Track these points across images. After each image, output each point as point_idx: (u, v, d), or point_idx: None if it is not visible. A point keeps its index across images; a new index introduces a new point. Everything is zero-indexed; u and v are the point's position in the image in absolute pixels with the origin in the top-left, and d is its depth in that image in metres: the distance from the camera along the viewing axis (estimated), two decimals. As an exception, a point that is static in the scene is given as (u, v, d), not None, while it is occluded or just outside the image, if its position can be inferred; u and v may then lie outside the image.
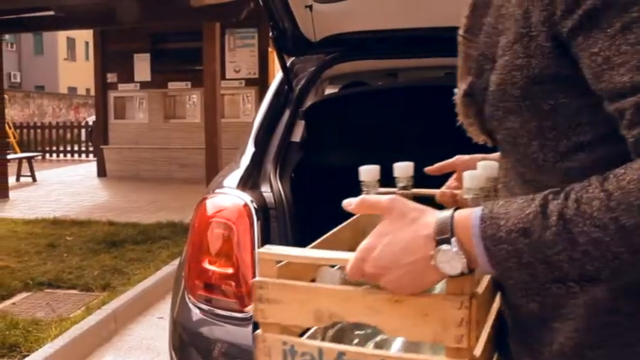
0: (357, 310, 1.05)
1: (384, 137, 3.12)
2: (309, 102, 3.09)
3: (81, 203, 10.69)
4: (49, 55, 46.61)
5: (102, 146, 14.65)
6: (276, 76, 3.21)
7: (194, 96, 13.83)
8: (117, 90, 14.40)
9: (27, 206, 10.43)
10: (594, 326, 0.98)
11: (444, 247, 0.93)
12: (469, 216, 0.94)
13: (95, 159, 15.66)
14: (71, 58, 48.62)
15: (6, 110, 12.90)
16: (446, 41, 2.98)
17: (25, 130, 20.58)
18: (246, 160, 2.60)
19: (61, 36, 45.44)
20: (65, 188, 12.66)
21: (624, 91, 0.86)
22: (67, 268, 6.39)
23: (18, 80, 42.97)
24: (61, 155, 20.08)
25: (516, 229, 0.89)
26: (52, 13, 10.71)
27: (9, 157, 12.73)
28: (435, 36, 2.87)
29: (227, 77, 12.96)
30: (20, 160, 14.14)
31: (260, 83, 12.90)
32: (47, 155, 19.73)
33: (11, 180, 12.40)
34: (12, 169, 12.84)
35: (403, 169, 1.58)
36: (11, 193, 11.62)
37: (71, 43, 47.92)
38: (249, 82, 13.22)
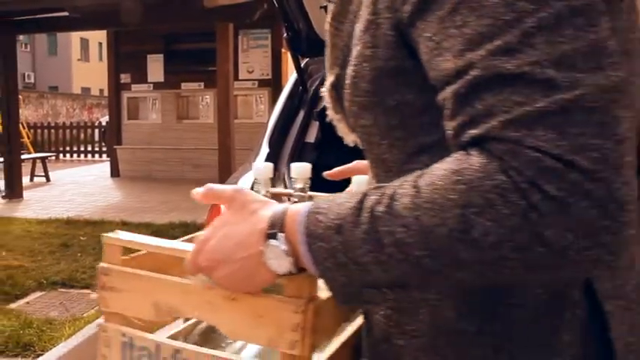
0: (195, 305, 0.97)
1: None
2: (323, 103, 3.09)
3: (94, 203, 10.73)
4: (62, 56, 46.81)
5: (115, 146, 14.70)
6: (291, 77, 3.20)
7: (207, 97, 13.85)
8: (130, 90, 14.45)
9: (41, 206, 10.47)
10: (439, 345, 0.91)
11: (273, 242, 0.84)
12: (300, 210, 0.84)
13: (108, 159, 15.72)
14: (85, 59, 48.81)
15: (20, 110, 12.96)
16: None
17: (38, 131, 20.67)
18: (260, 160, 2.60)
19: (75, 37, 45.63)
20: (79, 188, 12.71)
21: (448, 78, 0.77)
22: (81, 267, 6.42)
23: (32, 81, 43.15)
24: (75, 155, 20.15)
25: (333, 225, 0.79)
26: (66, 13, 10.76)
27: (23, 157, 12.79)
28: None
29: (240, 78, 12.98)
30: (34, 160, 14.20)
31: (273, 84, 12.91)
32: (61, 155, 19.80)
33: (25, 180, 12.45)
34: (26, 169, 12.89)
35: (300, 169, 1.52)
36: (25, 193, 11.67)
37: (85, 43, 48.12)
38: (263, 83, 13.23)
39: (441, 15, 0.78)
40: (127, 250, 1.08)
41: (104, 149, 19.57)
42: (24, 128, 17.07)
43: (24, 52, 41.18)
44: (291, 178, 1.52)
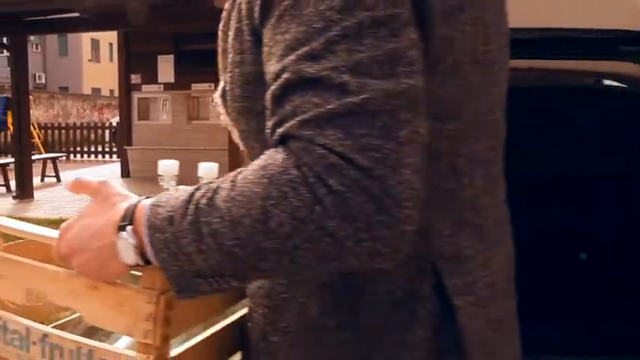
0: (62, 293, 1.01)
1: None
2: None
3: (104, 203, 10.71)
4: (73, 57, 47.01)
5: (125, 147, 14.74)
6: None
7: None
8: (141, 91, 14.48)
9: (51, 206, 10.50)
10: (306, 340, 0.96)
11: (122, 234, 0.87)
12: (146, 204, 0.88)
13: (119, 160, 15.76)
14: (95, 60, 49.00)
15: (31, 111, 13.01)
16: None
17: (49, 131, 20.75)
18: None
19: (86, 37, 45.78)
20: (89, 188, 12.68)
21: (271, 81, 0.83)
22: (91, 268, 6.41)
23: (43, 81, 43.35)
24: (85, 156, 20.23)
25: (167, 216, 0.84)
26: (76, 14, 10.80)
27: (34, 157, 12.83)
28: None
29: (250, 78, 12.98)
30: (45, 160, 14.25)
31: (283, 85, 12.90)
32: (71, 156, 19.88)
33: (36, 180, 12.50)
34: (37, 169, 12.94)
35: (207, 169, 1.53)
36: (36, 194, 11.71)
37: (95, 44, 48.31)
38: (272, 84, 13.22)
39: (273, 23, 0.84)
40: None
41: (114, 150, 19.64)
42: (35, 129, 17.15)
43: (35, 53, 41.38)
44: (198, 177, 1.53)
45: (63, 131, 20.72)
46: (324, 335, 0.94)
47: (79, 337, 1.04)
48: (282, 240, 0.76)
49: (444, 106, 0.90)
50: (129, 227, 0.87)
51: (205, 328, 1.09)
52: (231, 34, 0.97)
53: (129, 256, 0.88)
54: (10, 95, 12.86)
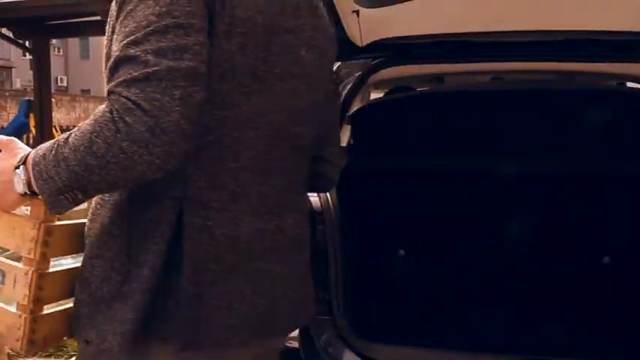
0: None
1: (430, 142, 3.10)
2: (355, 107, 3.08)
3: (125, 206, 10.68)
4: (94, 60, 47.06)
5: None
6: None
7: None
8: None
9: (73, 208, 10.53)
10: (102, 241, 1.36)
11: (17, 171, 1.28)
12: (36, 149, 1.28)
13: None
14: (116, 63, 49.10)
15: (53, 113, 13.09)
16: (493, 46, 2.95)
17: (71, 133, 20.81)
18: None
19: (107, 41, 45.90)
20: (110, 191, 12.66)
21: (111, 59, 1.24)
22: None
23: (65, 84, 43.67)
24: (106, 158, 20.25)
25: (42, 154, 1.24)
26: (98, 18, 10.87)
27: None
28: (481, 41, 2.84)
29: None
30: (67, 162, 14.27)
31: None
32: (93, 158, 19.90)
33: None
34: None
35: None
36: (58, 195, 11.73)
37: (116, 47, 48.45)
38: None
39: (121, 20, 1.26)
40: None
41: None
42: (56, 131, 17.22)
43: (57, 56, 41.64)
44: None
45: (84, 134, 20.78)
46: (111, 239, 1.35)
47: None
48: (100, 158, 1.17)
49: (217, 96, 1.29)
50: (22, 166, 1.27)
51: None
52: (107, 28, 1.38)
53: (20, 187, 1.29)
54: (32, 98, 12.96)
